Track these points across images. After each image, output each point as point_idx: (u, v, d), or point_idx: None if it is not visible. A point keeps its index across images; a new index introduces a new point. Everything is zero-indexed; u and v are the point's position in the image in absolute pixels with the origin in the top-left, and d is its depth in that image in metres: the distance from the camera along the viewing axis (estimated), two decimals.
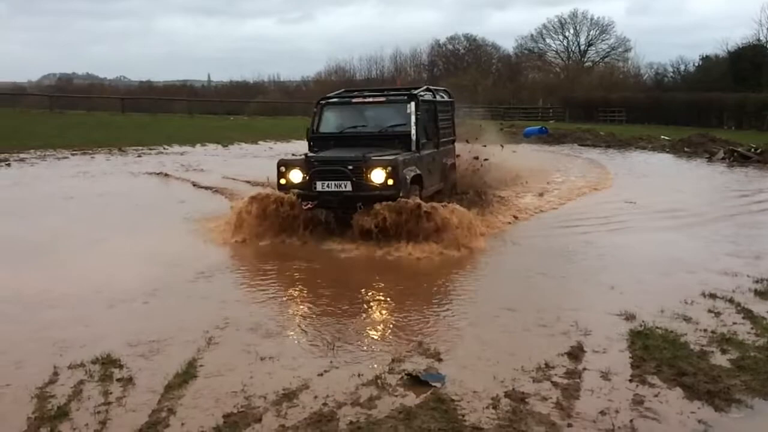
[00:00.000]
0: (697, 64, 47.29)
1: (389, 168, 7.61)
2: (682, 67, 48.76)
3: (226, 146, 22.61)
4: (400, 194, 7.59)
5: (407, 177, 7.84)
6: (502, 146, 12.71)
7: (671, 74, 49.70)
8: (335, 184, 7.72)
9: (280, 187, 8.11)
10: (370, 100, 9.16)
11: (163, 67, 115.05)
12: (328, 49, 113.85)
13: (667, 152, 21.97)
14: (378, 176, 7.62)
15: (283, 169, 8.10)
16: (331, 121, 9.04)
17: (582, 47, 55.61)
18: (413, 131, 8.46)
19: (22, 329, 5.06)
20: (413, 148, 8.42)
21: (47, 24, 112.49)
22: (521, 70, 56.58)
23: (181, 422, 3.60)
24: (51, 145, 18.95)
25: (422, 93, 9.07)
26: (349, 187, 7.67)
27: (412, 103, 8.60)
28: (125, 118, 31.33)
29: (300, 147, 12.87)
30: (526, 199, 11.40)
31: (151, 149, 20.28)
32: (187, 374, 4.19)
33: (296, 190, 7.89)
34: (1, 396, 3.92)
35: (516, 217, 9.68)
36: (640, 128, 32.35)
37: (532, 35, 56.24)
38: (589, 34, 54.95)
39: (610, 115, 40.34)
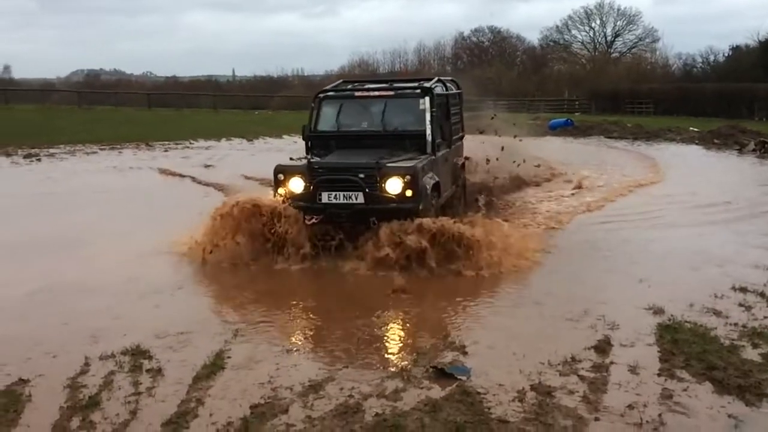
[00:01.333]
0: (726, 54, 46.30)
1: (407, 177, 6.56)
2: (712, 58, 47.75)
3: (251, 140, 22.76)
4: (420, 207, 6.58)
5: (427, 186, 6.81)
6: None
7: (700, 65, 48.67)
8: (344, 196, 6.65)
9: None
10: (376, 93, 7.86)
11: (188, 62, 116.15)
12: (351, 43, 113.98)
13: (696, 144, 21.54)
14: (394, 186, 6.57)
15: (281, 176, 6.91)
16: (331, 118, 7.82)
17: (608, 38, 54.73)
18: (429, 131, 7.33)
19: (54, 320, 5.17)
20: (428, 150, 7.28)
21: (75, 21, 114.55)
22: (546, 61, 55.86)
23: (210, 413, 3.66)
24: (80, 140, 19.34)
25: (435, 85, 7.91)
26: (360, 199, 6.60)
27: (427, 99, 7.43)
28: (151, 114, 31.83)
29: None
30: (563, 200, 10.71)
31: (177, 144, 20.52)
32: (215, 366, 4.25)
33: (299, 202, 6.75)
34: (36, 386, 4.02)
35: (552, 227, 8.66)
36: (669, 120, 31.74)
37: (557, 26, 55.54)
38: (615, 25, 54.06)
39: (637, 106, 39.66)
